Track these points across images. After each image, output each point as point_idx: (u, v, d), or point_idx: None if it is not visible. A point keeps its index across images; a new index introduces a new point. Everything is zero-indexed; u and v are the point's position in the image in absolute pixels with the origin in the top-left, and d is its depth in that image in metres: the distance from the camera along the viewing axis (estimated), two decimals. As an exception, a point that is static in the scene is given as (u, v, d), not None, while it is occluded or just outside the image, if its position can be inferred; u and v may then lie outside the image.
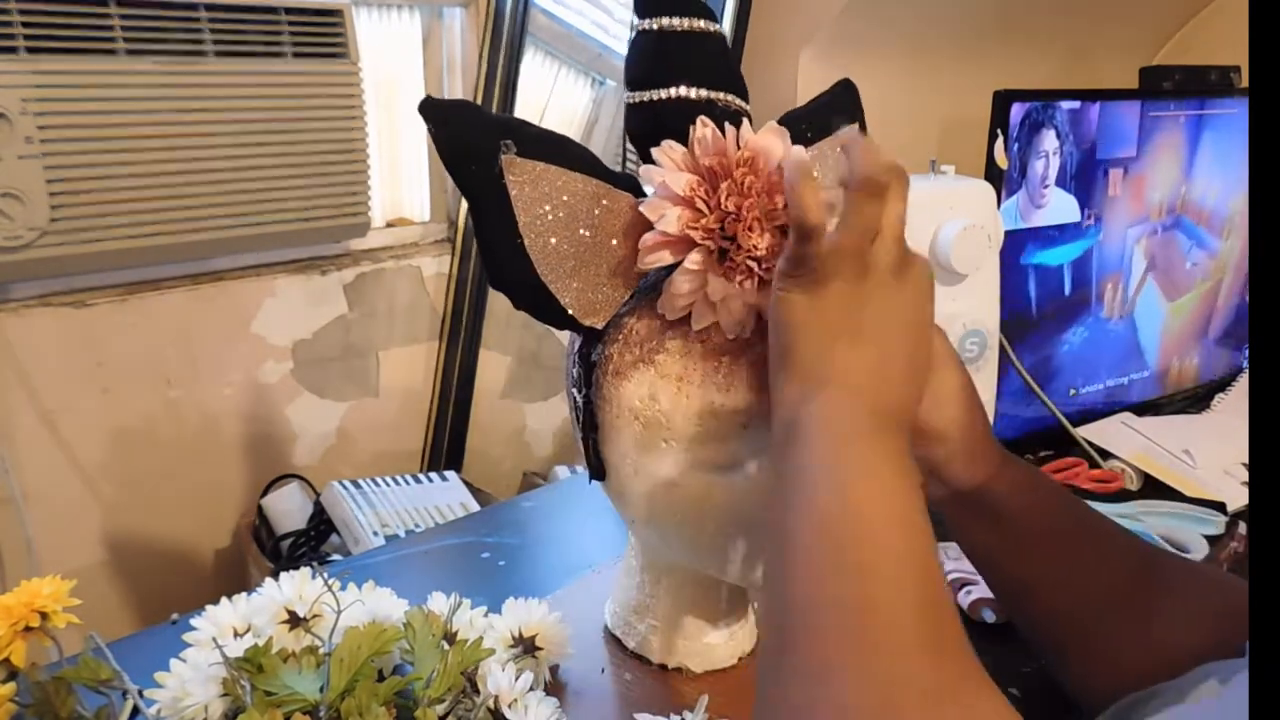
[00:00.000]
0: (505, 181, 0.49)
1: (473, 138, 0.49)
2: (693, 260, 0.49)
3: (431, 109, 0.49)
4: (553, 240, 0.50)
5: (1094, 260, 1.06)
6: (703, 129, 0.50)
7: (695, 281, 0.50)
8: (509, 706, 0.52)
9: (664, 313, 0.51)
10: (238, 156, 1.36)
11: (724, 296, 0.50)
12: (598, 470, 0.57)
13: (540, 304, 0.52)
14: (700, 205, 0.49)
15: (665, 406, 0.52)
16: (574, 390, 0.55)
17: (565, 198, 0.50)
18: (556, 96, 1.82)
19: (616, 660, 0.64)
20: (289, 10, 1.38)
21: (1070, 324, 1.07)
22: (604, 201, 0.52)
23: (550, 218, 0.50)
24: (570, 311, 0.52)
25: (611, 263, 0.52)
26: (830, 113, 0.61)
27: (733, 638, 0.63)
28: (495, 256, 0.51)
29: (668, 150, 0.51)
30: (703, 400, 0.51)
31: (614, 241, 0.52)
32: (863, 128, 0.63)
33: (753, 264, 0.50)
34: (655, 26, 0.53)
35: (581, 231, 0.51)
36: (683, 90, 0.52)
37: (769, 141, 0.50)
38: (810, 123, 0.55)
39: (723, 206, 0.49)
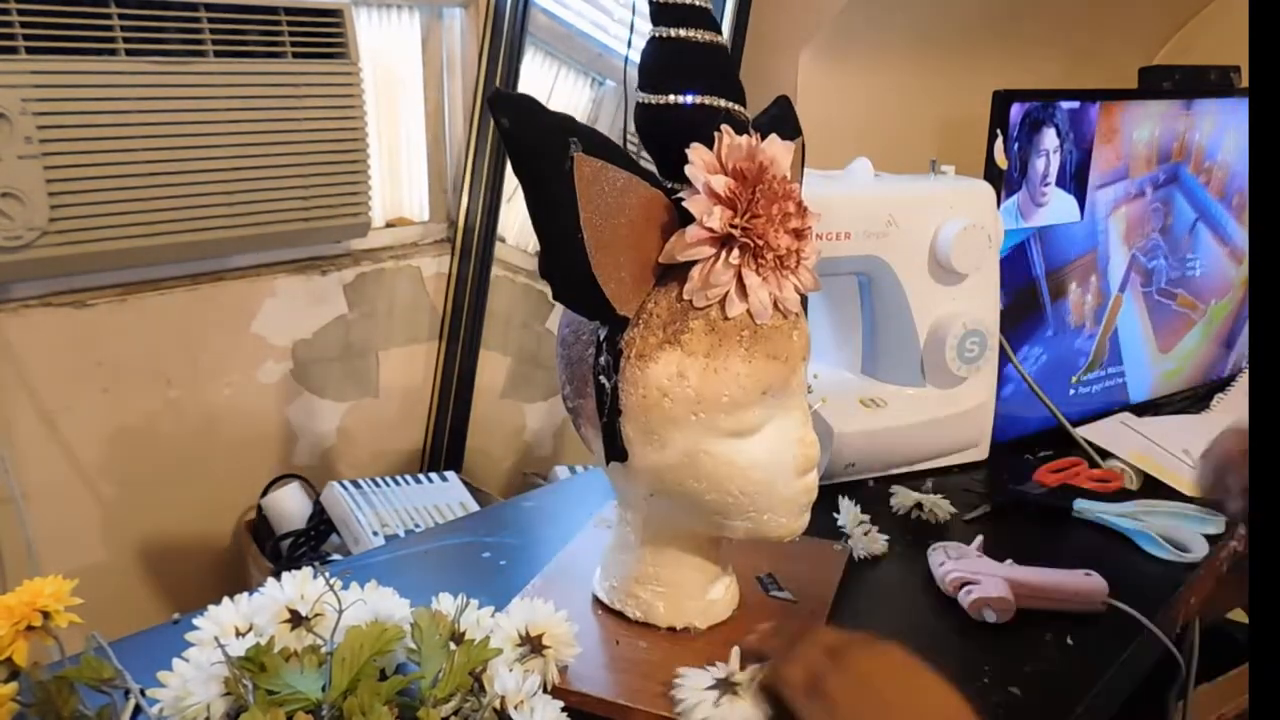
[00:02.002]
0: (574, 177, 0.52)
1: (541, 133, 0.52)
2: (733, 256, 0.55)
3: (502, 103, 0.52)
4: (605, 234, 0.54)
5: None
6: (731, 136, 0.55)
7: (731, 274, 0.55)
8: (515, 709, 0.52)
9: (692, 300, 0.56)
10: (238, 156, 1.36)
11: (756, 288, 0.55)
12: (620, 453, 0.60)
13: (583, 294, 0.55)
14: (737, 205, 0.54)
15: (695, 382, 0.57)
16: (600, 377, 0.59)
17: (615, 193, 0.54)
18: (556, 96, 1.82)
19: (624, 632, 0.66)
20: (289, 10, 1.38)
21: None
22: (641, 197, 0.55)
23: (604, 213, 0.54)
24: (612, 301, 0.55)
25: (644, 254, 0.56)
26: (781, 126, 0.64)
27: (728, 591, 0.68)
28: (554, 248, 0.54)
29: (701, 152, 0.55)
30: (729, 373, 0.57)
31: (646, 235, 0.56)
32: (803, 145, 0.67)
33: (777, 260, 0.56)
34: (677, 35, 0.57)
35: (622, 225, 0.55)
36: (706, 99, 0.57)
37: (779, 152, 0.56)
38: (770, 134, 0.59)
39: (753, 209, 0.54)
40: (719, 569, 0.67)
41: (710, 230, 0.54)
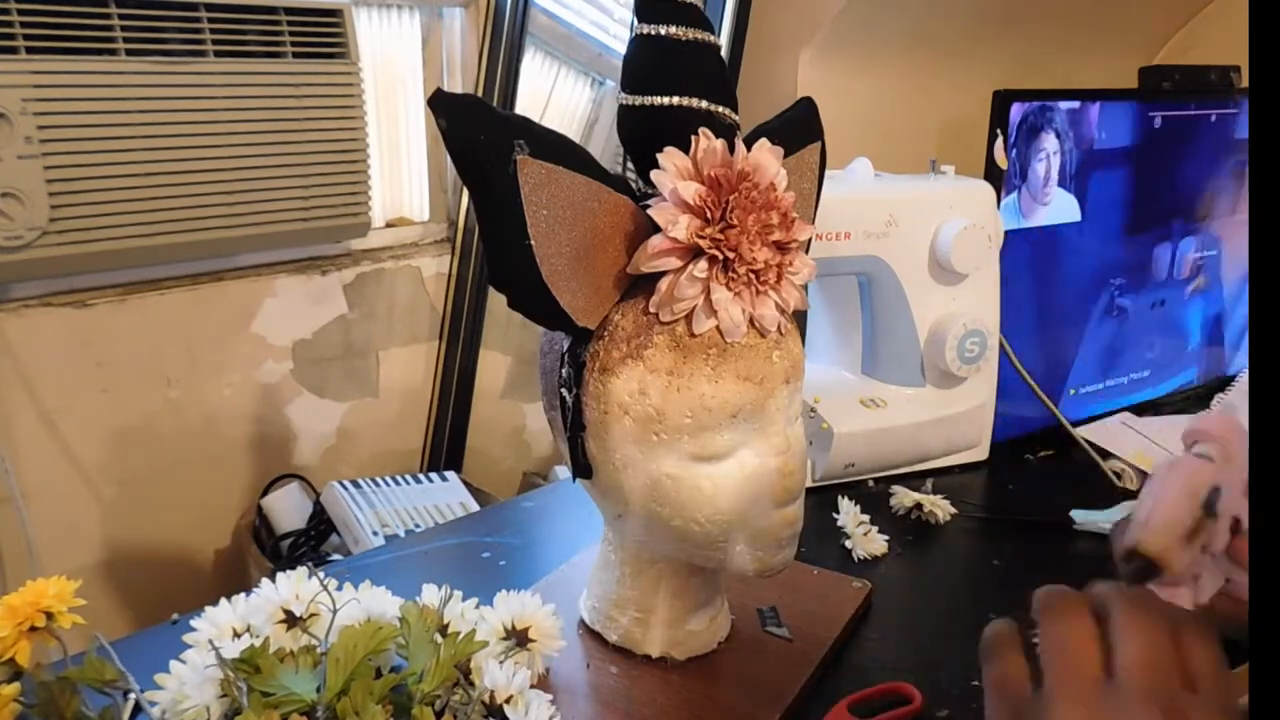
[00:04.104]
0: (519, 182, 0.49)
1: (484, 135, 0.49)
2: (700, 269, 0.51)
3: (442, 103, 0.48)
4: (557, 242, 0.51)
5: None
6: (708, 140, 0.51)
7: (698, 288, 0.51)
8: (507, 703, 0.52)
9: (658, 313, 0.52)
10: (238, 156, 1.36)
11: (726, 304, 0.51)
12: (584, 469, 0.57)
13: (539, 305, 0.52)
14: (708, 214, 0.51)
15: (656, 400, 0.53)
16: (563, 390, 0.56)
17: (571, 199, 0.51)
18: (556, 96, 1.82)
19: (598, 654, 0.64)
20: (289, 10, 1.38)
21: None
22: (604, 203, 0.52)
23: (557, 219, 0.50)
24: (569, 313, 0.52)
25: (607, 264, 0.53)
26: (795, 129, 0.62)
27: (712, 623, 0.64)
28: (501, 256, 0.50)
29: (673, 156, 0.51)
30: (693, 392, 0.52)
31: (611, 243, 0.53)
32: (823, 148, 0.64)
33: (752, 275, 0.52)
34: (659, 33, 0.53)
35: (583, 233, 0.52)
36: (685, 100, 0.53)
37: (765, 159, 0.52)
38: (779, 138, 0.55)
39: (727, 218, 0.50)
40: (702, 598, 0.63)
41: (675, 240, 0.50)
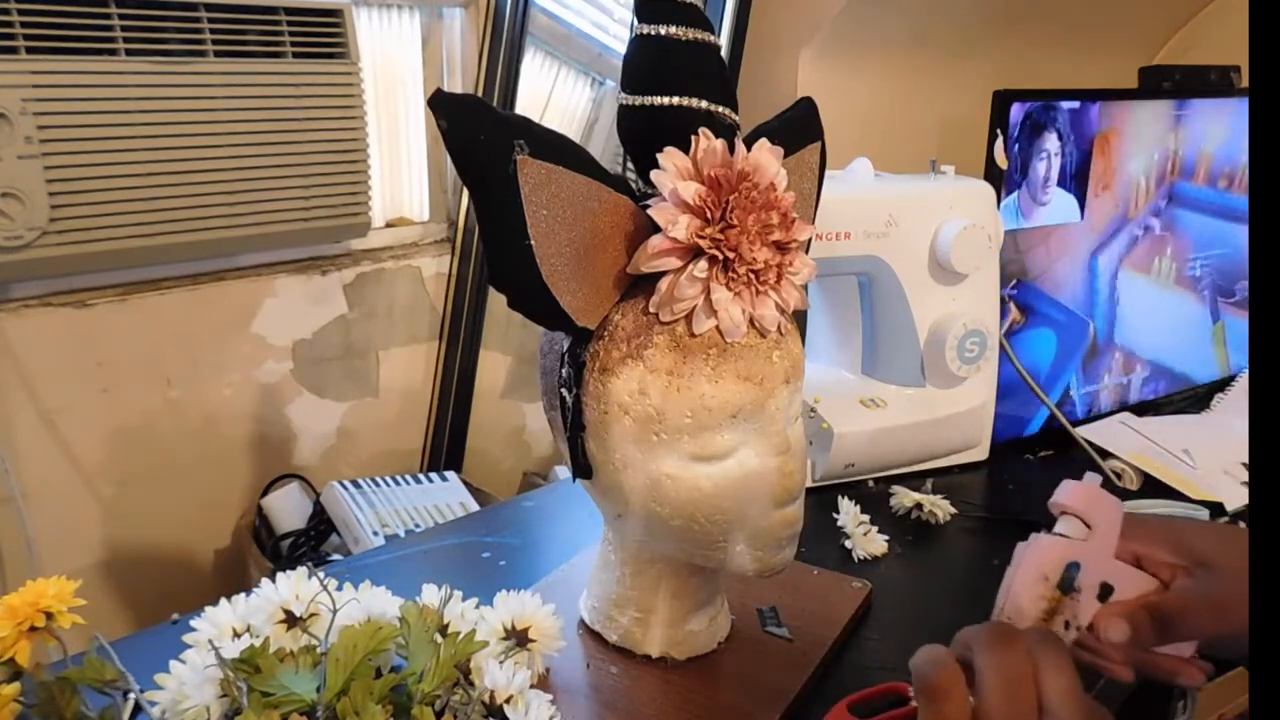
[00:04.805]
0: (519, 182, 0.49)
1: (484, 135, 0.49)
2: (700, 269, 0.51)
3: (442, 103, 0.48)
4: (557, 242, 0.51)
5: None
6: (708, 140, 0.51)
7: (698, 288, 0.51)
8: (507, 703, 0.52)
9: (658, 313, 0.52)
10: (238, 156, 1.36)
11: (726, 304, 0.51)
12: (584, 469, 0.57)
13: (539, 305, 0.52)
14: (708, 214, 0.51)
15: (656, 400, 0.53)
16: (563, 390, 0.56)
17: (571, 199, 0.51)
18: (556, 96, 1.82)
19: (598, 654, 0.64)
20: (289, 10, 1.38)
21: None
22: (604, 203, 0.52)
23: (557, 219, 0.50)
24: (569, 313, 0.52)
25: (607, 264, 0.53)
26: (795, 129, 0.62)
27: (712, 623, 0.64)
28: (501, 256, 0.50)
29: (673, 156, 0.51)
30: (693, 392, 0.52)
31: (611, 243, 0.53)
32: (823, 148, 0.64)
33: (752, 275, 0.52)
34: (659, 33, 0.53)
35: (583, 233, 0.52)
36: (685, 100, 0.53)
37: (765, 159, 0.52)
38: (779, 138, 0.55)
39: (727, 218, 0.50)
40: (702, 598, 0.63)
41: (675, 240, 0.50)
